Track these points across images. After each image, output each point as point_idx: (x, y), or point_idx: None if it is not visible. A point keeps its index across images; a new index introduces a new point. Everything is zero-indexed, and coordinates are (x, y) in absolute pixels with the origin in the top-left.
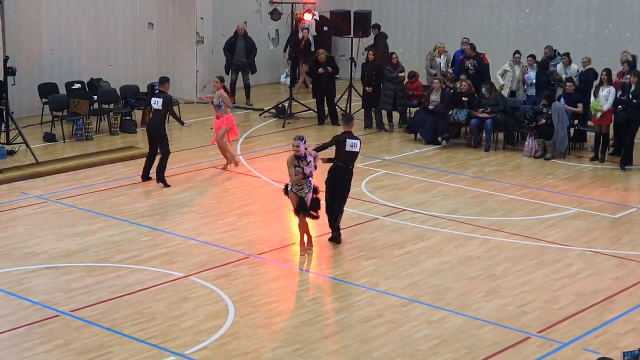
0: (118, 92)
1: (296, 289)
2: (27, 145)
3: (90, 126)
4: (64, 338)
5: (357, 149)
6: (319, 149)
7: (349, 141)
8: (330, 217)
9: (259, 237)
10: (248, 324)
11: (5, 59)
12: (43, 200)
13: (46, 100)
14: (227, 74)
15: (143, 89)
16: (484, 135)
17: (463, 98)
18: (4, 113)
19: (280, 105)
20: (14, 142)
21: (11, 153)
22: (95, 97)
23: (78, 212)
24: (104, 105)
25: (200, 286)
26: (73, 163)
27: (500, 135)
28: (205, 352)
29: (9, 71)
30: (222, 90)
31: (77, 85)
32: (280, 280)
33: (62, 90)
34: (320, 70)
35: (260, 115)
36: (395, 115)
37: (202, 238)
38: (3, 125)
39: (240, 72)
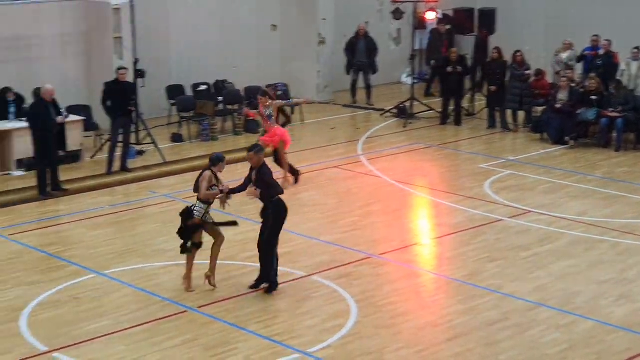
0: (242, 93)
1: (419, 289)
2: (156, 146)
3: (216, 127)
4: (192, 333)
5: None
6: (235, 190)
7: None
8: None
9: (380, 237)
10: (371, 324)
11: (136, 62)
12: (170, 199)
13: (174, 101)
14: (348, 74)
15: None
16: (613, 135)
17: (592, 97)
18: (135, 115)
19: (401, 106)
20: (143, 143)
21: (140, 153)
22: (221, 99)
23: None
24: (228, 106)
25: (323, 285)
26: (199, 163)
27: (631, 135)
28: (329, 351)
29: (139, 74)
30: (271, 102)
31: (203, 87)
32: (402, 281)
33: (189, 92)
34: (450, 69)
35: (381, 115)
36: (520, 114)
37: (324, 238)
38: (133, 126)
39: (361, 73)
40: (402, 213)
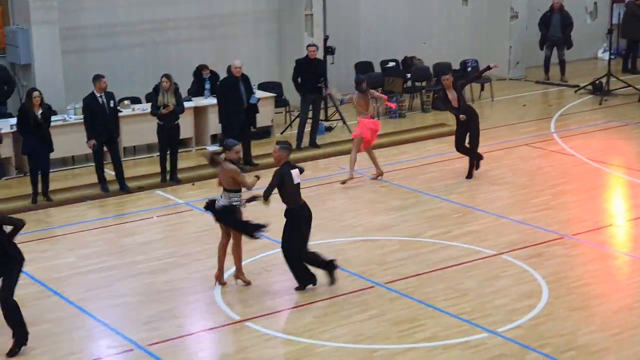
0: (431, 69)
1: (613, 272)
2: (344, 122)
3: (404, 104)
4: (379, 308)
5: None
6: (265, 195)
7: (293, 172)
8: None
9: (573, 217)
10: (563, 305)
11: (326, 39)
12: (359, 175)
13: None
14: (542, 49)
15: (455, 66)
16: None
17: None
18: (322, 91)
19: (597, 82)
20: (332, 119)
21: (329, 129)
22: (409, 75)
23: (392, 187)
24: (417, 83)
25: (512, 265)
26: (387, 139)
27: None
28: (519, 331)
29: (329, 50)
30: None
31: (391, 64)
32: (596, 262)
33: (377, 69)
34: None
35: (575, 92)
36: None
37: (514, 216)
38: (322, 103)
39: (554, 48)
40: (596, 193)
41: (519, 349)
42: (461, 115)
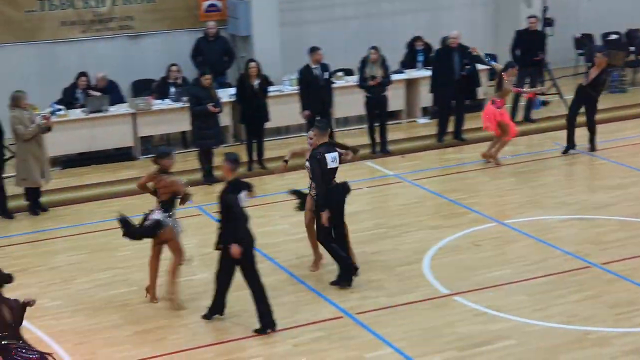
0: None
1: None
2: (561, 97)
3: (625, 78)
4: (595, 290)
5: (337, 164)
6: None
7: (329, 156)
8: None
9: None
10: None
11: (544, 10)
12: (576, 152)
13: (581, 51)
14: None
15: None
16: None
17: None
18: (541, 64)
19: None
20: (548, 93)
21: (545, 104)
22: (632, 48)
23: (611, 165)
24: None
25: None
26: (607, 115)
27: None
28: None
29: (548, 22)
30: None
31: (613, 36)
32: None
33: (598, 41)
34: None
35: None
36: None
37: None
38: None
39: None
40: None
41: None
42: None
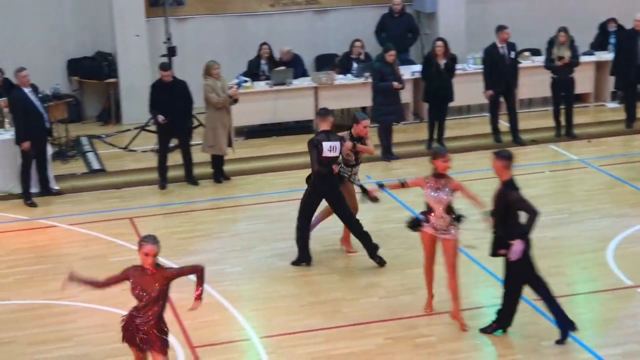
0: None
1: None
2: None
3: None
4: None
5: (337, 153)
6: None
7: (326, 144)
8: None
9: None
10: None
11: None
12: None
13: None
14: None
15: None
16: None
17: None
18: None
19: None
20: None
21: None
22: None
23: None
24: None
25: None
26: None
27: None
28: None
29: None
30: None
31: None
32: None
33: None
34: None
35: None
36: None
37: None
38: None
39: None
40: None
41: None
42: None
